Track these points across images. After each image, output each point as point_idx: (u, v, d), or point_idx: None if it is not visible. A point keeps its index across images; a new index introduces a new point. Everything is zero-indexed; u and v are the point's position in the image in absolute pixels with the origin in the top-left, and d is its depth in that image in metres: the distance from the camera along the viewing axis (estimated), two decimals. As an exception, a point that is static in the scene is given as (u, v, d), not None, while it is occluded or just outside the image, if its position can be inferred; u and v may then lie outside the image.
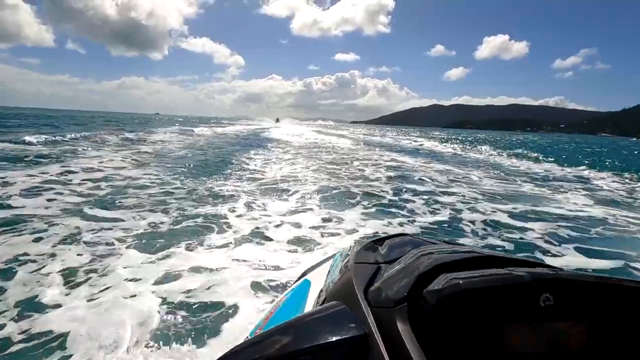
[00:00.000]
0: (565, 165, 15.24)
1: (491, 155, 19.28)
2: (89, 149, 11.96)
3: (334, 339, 0.55)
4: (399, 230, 4.80)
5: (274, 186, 7.14)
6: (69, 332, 2.22)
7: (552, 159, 18.00)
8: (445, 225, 5.09)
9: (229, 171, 8.68)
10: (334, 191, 6.99)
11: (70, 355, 2.03)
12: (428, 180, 8.89)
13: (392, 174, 9.67)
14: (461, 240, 4.42)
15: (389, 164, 11.86)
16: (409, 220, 5.20)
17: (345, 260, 0.99)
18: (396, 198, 6.79)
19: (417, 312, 0.57)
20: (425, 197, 6.86)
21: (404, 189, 7.52)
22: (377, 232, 4.58)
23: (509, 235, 4.68)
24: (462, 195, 7.11)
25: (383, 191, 7.30)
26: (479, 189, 7.92)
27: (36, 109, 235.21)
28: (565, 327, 0.57)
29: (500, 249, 4.23)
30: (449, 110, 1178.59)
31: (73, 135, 15.70)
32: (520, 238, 4.63)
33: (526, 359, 0.56)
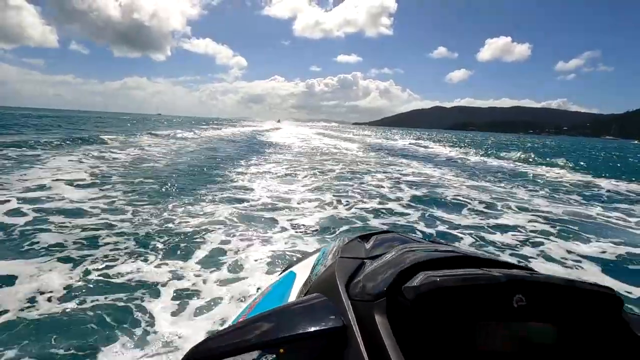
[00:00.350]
0: (606, 175, 13.19)
1: (517, 163, 17.21)
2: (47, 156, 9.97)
3: (314, 329, 0.56)
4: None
5: (260, 215, 5.14)
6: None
7: (584, 165, 16.08)
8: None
9: (203, 191, 6.58)
10: (342, 224, 4.99)
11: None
12: (464, 201, 6.85)
13: (416, 192, 7.61)
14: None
15: (409, 178, 9.76)
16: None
17: (330, 254, 1.02)
18: (431, 231, 4.82)
19: (396, 306, 0.58)
20: (469, 231, 4.88)
21: (437, 218, 5.53)
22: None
23: None
24: (521, 230, 5.09)
25: (410, 222, 5.30)
26: (537, 217, 5.89)
27: (39, 109, 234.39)
28: (535, 328, 0.59)
29: None
30: (451, 112, 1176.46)
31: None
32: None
33: (497, 357, 0.58)
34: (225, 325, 0.67)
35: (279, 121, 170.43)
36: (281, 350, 0.58)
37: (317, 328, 0.57)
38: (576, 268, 3.85)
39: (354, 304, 0.64)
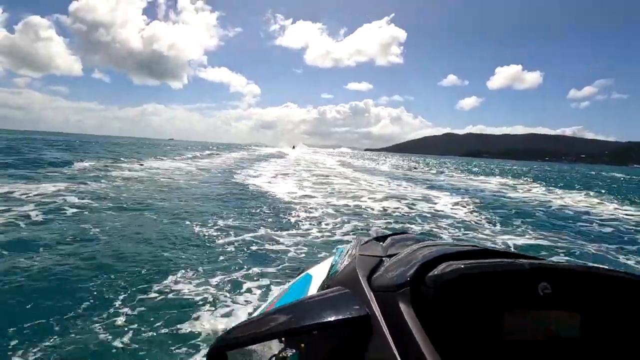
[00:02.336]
0: None
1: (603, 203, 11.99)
2: None
3: (338, 318, 0.58)
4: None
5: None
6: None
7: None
8: None
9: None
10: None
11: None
12: None
13: None
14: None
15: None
16: None
17: (347, 254, 1.02)
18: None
19: (419, 296, 0.58)
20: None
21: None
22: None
23: None
24: None
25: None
26: None
27: (61, 133, 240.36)
28: (561, 316, 0.59)
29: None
30: (464, 139, 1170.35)
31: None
32: None
33: (522, 346, 0.57)
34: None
35: (294, 147, 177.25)
36: (305, 342, 0.61)
37: (341, 317, 0.58)
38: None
39: (377, 295, 0.63)
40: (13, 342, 2.40)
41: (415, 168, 30.18)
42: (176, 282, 3.56)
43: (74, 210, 6.59)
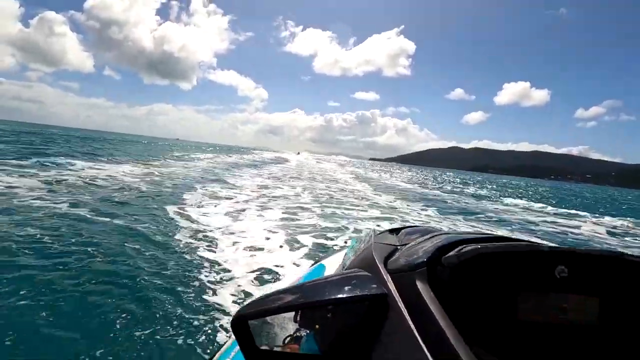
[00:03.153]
0: None
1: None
2: None
3: (354, 295, 0.58)
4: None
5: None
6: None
7: None
8: None
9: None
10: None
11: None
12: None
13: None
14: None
15: None
16: None
17: (362, 244, 1.02)
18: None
19: (436, 277, 0.58)
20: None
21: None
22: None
23: None
24: None
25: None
26: None
27: (71, 128, 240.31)
28: (578, 300, 0.58)
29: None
30: (470, 153, 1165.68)
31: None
32: None
33: (537, 327, 0.57)
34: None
35: (298, 153, 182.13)
36: (324, 316, 0.62)
37: (359, 294, 0.59)
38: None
39: (394, 277, 0.64)
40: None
41: (441, 187, 26.79)
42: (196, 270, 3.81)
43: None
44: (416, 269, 0.60)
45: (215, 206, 8.09)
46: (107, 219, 5.71)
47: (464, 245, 0.60)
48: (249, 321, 0.60)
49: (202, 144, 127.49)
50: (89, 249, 4.17)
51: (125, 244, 4.52)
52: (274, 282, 3.64)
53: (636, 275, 0.59)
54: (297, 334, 0.68)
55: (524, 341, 0.57)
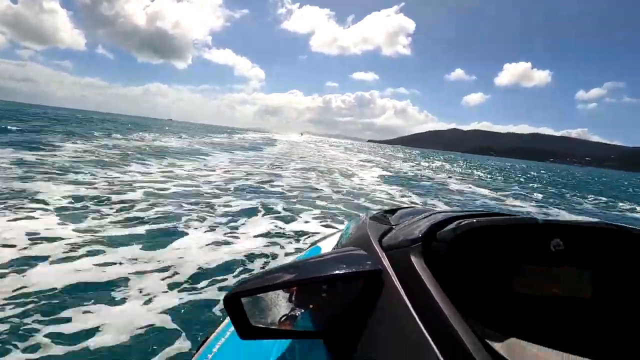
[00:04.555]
0: None
1: None
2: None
3: (348, 271, 0.59)
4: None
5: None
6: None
7: None
8: None
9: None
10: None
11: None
12: None
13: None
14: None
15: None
16: None
17: (358, 223, 1.01)
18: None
19: (431, 252, 0.58)
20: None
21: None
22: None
23: None
24: None
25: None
26: None
27: (66, 109, 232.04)
28: (572, 272, 0.58)
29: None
30: (469, 135, 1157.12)
31: None
32: None
33: (532, 301, 0.57)
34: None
35: (302, 134, 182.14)
36: (319, 293, 0.62)
37: (353, 270, 0.59)
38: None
39: (388, 254, 0.64)
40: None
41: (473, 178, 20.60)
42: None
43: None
44: (411, 244, 0.60)
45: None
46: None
47: (460, 221, 0.59)
48: (242, 299, 0.59)
49: (195, 125, 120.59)
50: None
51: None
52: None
53: (630, 246, 0.59)
54: (292, 311, 0.67)
55: (518, 314, 0.58)
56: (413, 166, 22.54)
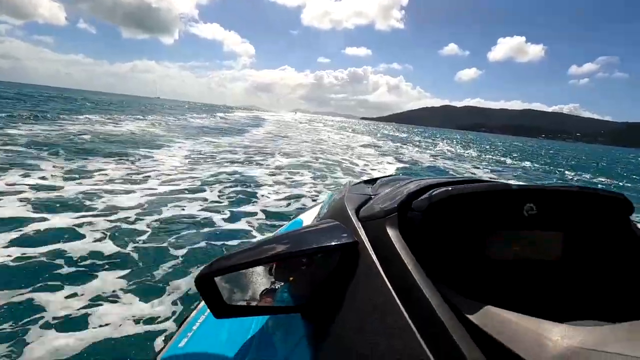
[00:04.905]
0: None
1: None
2: None
3: (324, 245, 0.59)
4: None
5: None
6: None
7: None
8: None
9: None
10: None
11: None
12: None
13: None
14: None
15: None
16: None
17: (337, 196, 1.01)
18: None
19: (407, 221, 0.58)
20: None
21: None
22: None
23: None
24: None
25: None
26: None
27: (51, 87, 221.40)
28: (545, 236, 0.60)
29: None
30: (462, 112, 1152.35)
31: None
32: None
33: (506, 265, 0.59)
34: None
35: (295, 112, 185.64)
36: (296, 267, 0.62)
37: (329, 244, 0.59)
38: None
39: (365, 225, 0.64)
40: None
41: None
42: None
43: None
44: (387, 215, 0.59)
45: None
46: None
47: (435, 189, 0.59)
48: (215, 278, 0.58)
49: (182, 103, 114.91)
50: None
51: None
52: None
53: (598, 208, 0.60)
54: (269, 287, 0.66)
55: (492, 279, 0.58)
56: (434, 155, 18.56)
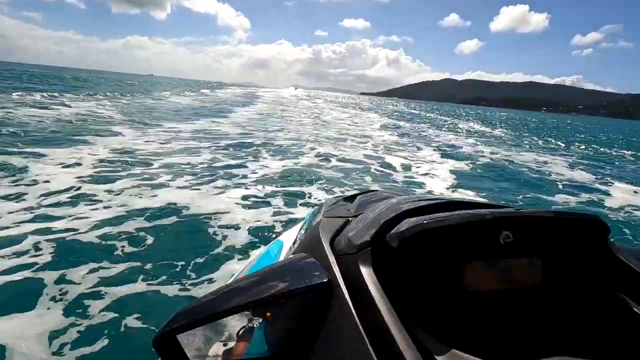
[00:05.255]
0: None
1: None
2: None
3: (298, 286, 0.56)
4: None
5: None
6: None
7: None
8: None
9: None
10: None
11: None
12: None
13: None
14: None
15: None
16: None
17: (315, 217, 0.99)
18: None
19: (381, 256, 0.57)
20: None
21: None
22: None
23: None
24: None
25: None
26: None
27: (42, 66, 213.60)
28: (522, 264, 0.59)
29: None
30: (463, 86, 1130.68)
31: None
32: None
33: (484, 296, 0.58)
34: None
35: (295, 88, 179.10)
36: (267, 313, 0.59)
37: (303, 285, 0.56)
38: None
39: (339, 259, 0.62)
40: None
41: None
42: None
43: None
44: (360, 250, 0.58)
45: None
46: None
47: (410, 220, 0.58)
48: (177, 336, 0.53)
49: (176, 81, 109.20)
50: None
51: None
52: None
53: (574, 230, 0.60)
54: (241, 335, 0.61)
55: (470, 312, 0.57)
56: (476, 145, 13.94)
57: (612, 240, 0.62)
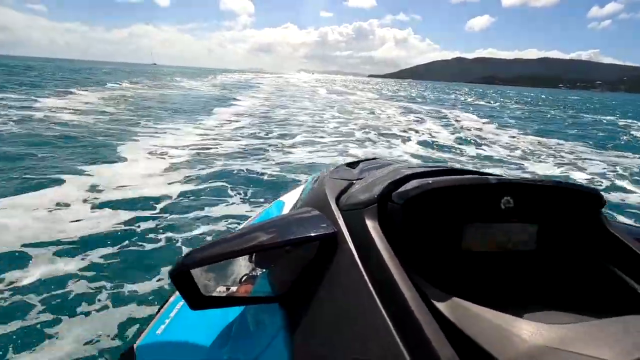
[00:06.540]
0: None
1: None
2: None
3: (303, 236, 0.58)
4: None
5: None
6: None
7: None
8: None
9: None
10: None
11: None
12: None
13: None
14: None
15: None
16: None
17: (318, 179, 1.00)
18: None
19: (386, 213, 0.58)
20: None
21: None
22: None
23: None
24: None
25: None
26: None
27: (48, 59, 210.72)
28: (519, 228, 0.60)
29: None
30: (474, 64, 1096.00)
31: None
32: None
33: (481, 257, 0.60)
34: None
35: (312, 73, 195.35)
36: (275, 259, 0.62)
37: (308, 235, 0.58)
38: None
39: (344, 214, 0.63)
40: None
41: None
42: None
43: None
44: (366, 206, 0.59)
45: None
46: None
47: (416, 180, 0.60)
48: (191, 270, 0.56)
49: (177, 69, 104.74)
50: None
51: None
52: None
53: (572, 200, 0.62)
54: (246, 277, 0.66)
55: (468, 270, 0.59)
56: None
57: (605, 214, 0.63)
